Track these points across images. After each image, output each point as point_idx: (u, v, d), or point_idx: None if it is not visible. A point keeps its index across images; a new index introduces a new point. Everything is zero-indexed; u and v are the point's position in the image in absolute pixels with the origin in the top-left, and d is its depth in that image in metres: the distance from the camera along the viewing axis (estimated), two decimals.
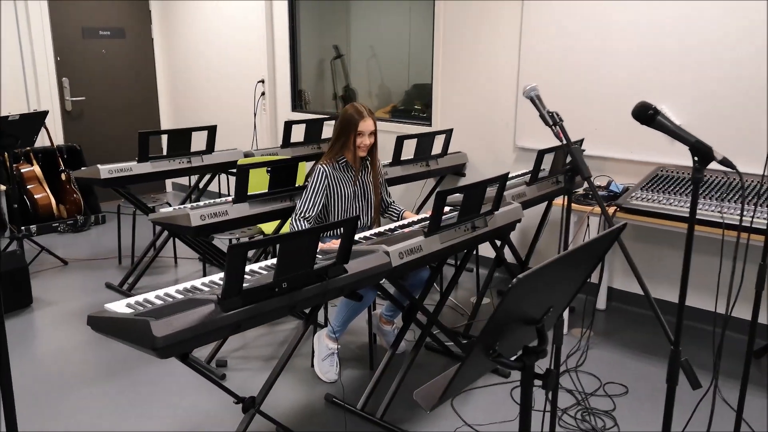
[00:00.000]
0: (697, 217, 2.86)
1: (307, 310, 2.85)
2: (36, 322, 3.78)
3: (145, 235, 5.15)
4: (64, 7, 6.01)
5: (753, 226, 2.79)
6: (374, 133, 3.06)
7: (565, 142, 1.93)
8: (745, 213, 2.85)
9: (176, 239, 4.63)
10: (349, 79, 5.46)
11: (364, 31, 5.40)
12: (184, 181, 6.53)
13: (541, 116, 1.97)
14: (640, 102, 1.60)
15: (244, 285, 1.98)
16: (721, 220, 2.86)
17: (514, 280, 1.16)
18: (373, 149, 3.11)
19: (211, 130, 4.27)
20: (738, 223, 2.83)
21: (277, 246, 2.11)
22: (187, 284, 2.15)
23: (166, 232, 4.28)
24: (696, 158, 1.50)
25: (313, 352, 3.17)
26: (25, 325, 3.73)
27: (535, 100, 2.00)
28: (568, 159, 1.90)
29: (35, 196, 5.46)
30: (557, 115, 1.93)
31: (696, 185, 1.49)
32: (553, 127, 1.92)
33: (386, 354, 2.86)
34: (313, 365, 3.17)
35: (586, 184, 3.25)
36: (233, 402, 2.48)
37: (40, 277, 4.48)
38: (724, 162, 1.49)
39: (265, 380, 2.57)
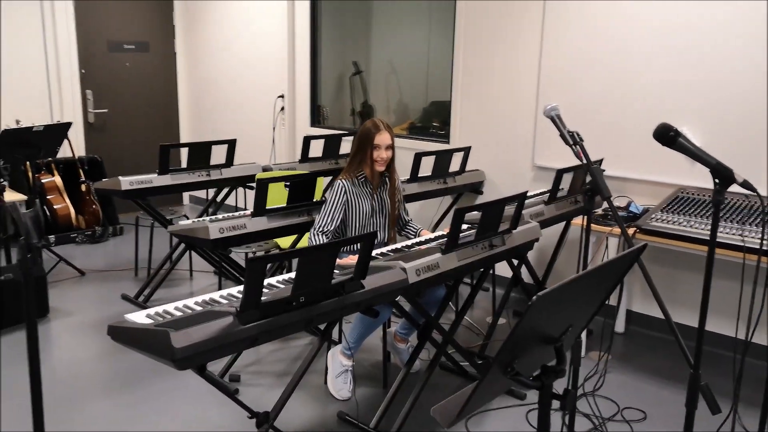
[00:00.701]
0: (717, 240, 2.86)
1: (321, 326, 2.88)
2: (52, 332, 3.83)
3: (163, 247, 5.21)
4: (90, 20, 6.16)
5: None
6: (392, 147, 3.09)
7: (585, 161, 1.95)
8: (766, 237, 2.84)
9: (192, 252, 4.68)
10: (367, 95, 5.52)
11: (383, 48, 5.47)
12: (200, 194, 6.60)
13: (562, 135, 1.99)
14: (661, 123, 1.62)
15: (262, 298, 2.01)
16: (741, 244, 2.85)
17: (534, 297, 1.18)
18: (391, 164, 3.15)
19: (231, 144, 4.34)
20: (759, 246, 2.82)
21: (295, 260, 2.14)
22: (206, 296, 2.19)
23: (182, 245, 4.33)
24: (717, 180, 1.51)
25: (326, 369, 3.19)
26: (41, 335, 3.79)
27: (556, 120, 2.03)
28: (588, 179, 1.92)
29: (54, 207, 5.55)
30: (578, 134, 1.96)
31: (717, 207, 1.50)
32: (574, 146, 1.94)
33: (400, 372, 2.87)
34: (326, 382, 3.18)
35: (605, 205, 3.26)
36: (247, 417, 2.50)
37: (58, 287, 4.54)
38: (745, 185, 1.50)
39: (278, 396, 2.60)
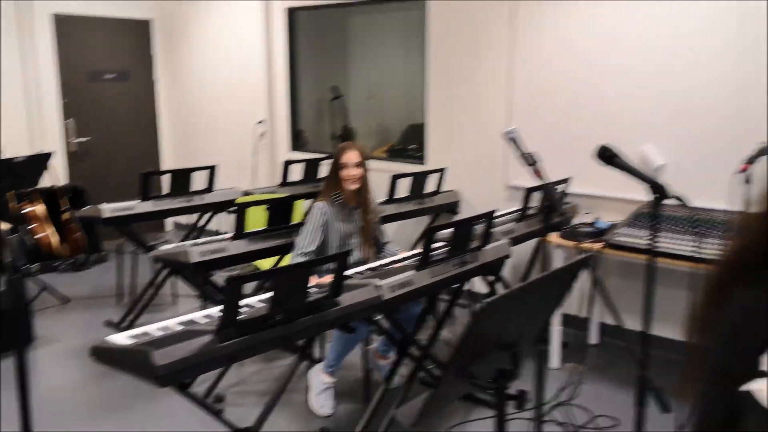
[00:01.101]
0: (676, 252, 3.01)
1: (301, 343, 2.98)
2: (38, 359, 3.90)
3: (146, 273, 5.28)
4: (71, 51, 6.28)
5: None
6: (361, 165, 3.21)
7: (542, 180, 2.09)
8: (715, 246, 2.98)
9: (176, 277, 4.77)
10: (347, 119, 5.67)
11: (362, 72, 5.64)
12: (185, 220, 6.70)
13: (520, 156, 2.14)
14: (601, 145, 1.77)
15: (241, 317, 2.12)
16: (687, 254, 2.99)
17: (479, 305, 1.31)
18: (365, 185, 3.27)
19: (211, 170, 4.46)
20: (698, 255, 2.96)
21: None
22: (186, 317, 2.29)
23: (165, 271, 4.42)
24: (656, 195, 1.66)
25: (308, 387, 3.28)
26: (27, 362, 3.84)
27: (514, 142, 2.18)
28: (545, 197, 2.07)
29: (38, 235, 5.61)
30: (533, 155, 2.10)
31: (655, 218, 1.64)
32: (530, 166, 2.09)
33: (380, 388, 2.97)
34: (308, 400, 3.27)
35: (574, 221, 3.42)
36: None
37: (42, 315, 4.61)
38: (677, 198, 1.65)
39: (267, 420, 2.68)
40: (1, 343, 3.86)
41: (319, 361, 3.35)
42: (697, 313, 0.76)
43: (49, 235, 5.65)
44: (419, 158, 5.08)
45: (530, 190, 3.51)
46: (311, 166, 4.82)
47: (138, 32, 6.76)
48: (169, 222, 7.26)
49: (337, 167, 3.21)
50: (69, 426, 3.12)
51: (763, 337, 0.69)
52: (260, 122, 6.04)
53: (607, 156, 1.72)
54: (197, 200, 4.40)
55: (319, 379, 3.21)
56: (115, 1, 6.46)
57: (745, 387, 0.71)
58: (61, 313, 4.69)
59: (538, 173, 2.10)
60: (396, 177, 4.13)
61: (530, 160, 2.12)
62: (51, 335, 4.24)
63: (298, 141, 5.98)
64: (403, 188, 4.20)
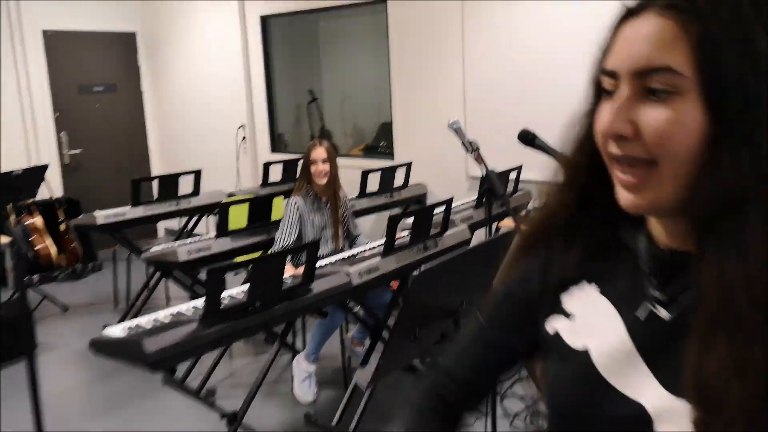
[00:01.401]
0: None
1: (281, 332, 3.22)
2: (41, 365, 4.11)
3: (140, 279, 5.52)
4: (61, 66, 6.51)
5: None
6: (328, 161, 3.45)
7: (483, 167, 2.34)
8: None
9: (167, 280, 5.00)
10: (324, 121, 5.91)
11: (335, 76, 5.87)
12: (175, 226, 6.93)
13: (462, 144, 2.38)
14: (522, 129, 2.02)
15: (223, 306, 2.36)
16: None
17: (414, 273, 1.55)
18: (335, 180, 3.51)
19: (197, 174, 4.69)
20: None
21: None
22: (174, 309, 2.53)
23: (157, 274, 4.65)
24: None
25: (292, 377, 3.51)
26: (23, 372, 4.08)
27: (458, 132, 2.42)
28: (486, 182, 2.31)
29: (36, 247, 5.84)
30: (473, 143, 2.35)
31: None
32: (471, 153, 2.33)
33: (356, 373, 3.17)
34: (294, 389, 3.49)
35: (529, 206, 3.67)
36: (219, 418, 2.83)
37: (43, 323, 4.83)
38: None
39: (251, 404, 2.91)
40: (6, 351, 4.12)
41: (299, 351, 3.58)
42: (500, 269, 0.89)
43: (48, 246, 5.88)
44: (387, 155, 5.32)
45: (484, 178, 3.74)
46: (289, 166, 5.06)
47: (124, 45, 6.99)
48: (161, 229, 7.49)
49: (307, 164, 3.46)
50: (73, 425, 3.33)
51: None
52: (241, 127, 6.27)
53: (529, 138, 1.97)
54: (184, 204, 4.64)
55: (301, 367, 3.44)
56: (100, 16, 6.67)
57: (549, 326, 0.78)
58: (61, 321, 4.92)
59: (479, 160, 2.33)
60: (366, 173, 4.37)
61: (470, 148, 2.35)
62: (52, 342, 4.47)
63: (278, 144, 6.22)
64: (375, 183, 4.44)
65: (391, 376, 3.56)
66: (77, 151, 6.72)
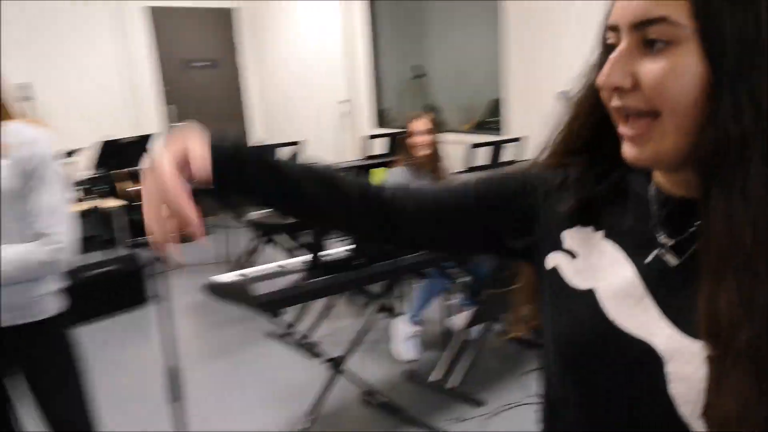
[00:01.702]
0: None
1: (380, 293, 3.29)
2: (153, 317, 4.43)
3: (244, 243, 5.80)
4: (167, 41, 6.93)
5: None
6: (429, 133, 3.47)
7: None
8: None
9: (268, 243, 5.21)
10: (432, 97, 5.91)
11: (442, 51, 5.85)
12: None
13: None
14: None
15: (328, 259, 2.45)
16: None
17: None
18: (435, 152, 3.53)
19: (296, 146, 4.85)
20: None
21: None
22: (281, 262, 2.65)
23: (259, 239, 4.85)
24: None
25: (391, 337, 3.59)
26: (144, 320, 4.40)
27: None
28: None
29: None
30: None
31: None
32: None
33: (458, 338, 3.22)
34: (393, 349, 3.57)
35: None
36: (322, 362, 2.94)
37: (156, 279, 5.14)
38: None
39: (354, 361, 3.02)
40: (122, 301, 4.44)
41: (401, 314, 3.65)
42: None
43: None
44: (497, 130, 5.27)
45: None
46: (393, 141, 5.12)
47: (222, 21, 7.33)
48: None
49: (407, 135, 3.50)
50: (188, 369, 3.56)
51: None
52: (343, 102, 6.40)
53: None
54: None
55: (402, 328, 3.51)
56: None
57: (548, 261, 0.80)
58: (173, 278, 5.22)
59: None
60: (474, 146, 4.36)
61: None
62: (163, 295, 4.75)
63: (382, 118, 6.29)
64: (483, 159, 4.42)
65: (492, 341, 3.57)
66: (182, 124, 7.10)
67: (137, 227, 6.04)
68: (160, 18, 6.84)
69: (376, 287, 3.78)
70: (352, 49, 6.29)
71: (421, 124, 3.48)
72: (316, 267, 2.43)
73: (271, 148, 4.78)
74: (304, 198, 0.84)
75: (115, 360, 3.71)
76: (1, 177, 1.55)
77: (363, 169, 3.87)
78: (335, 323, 4.04)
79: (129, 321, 4.34)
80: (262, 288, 2.30)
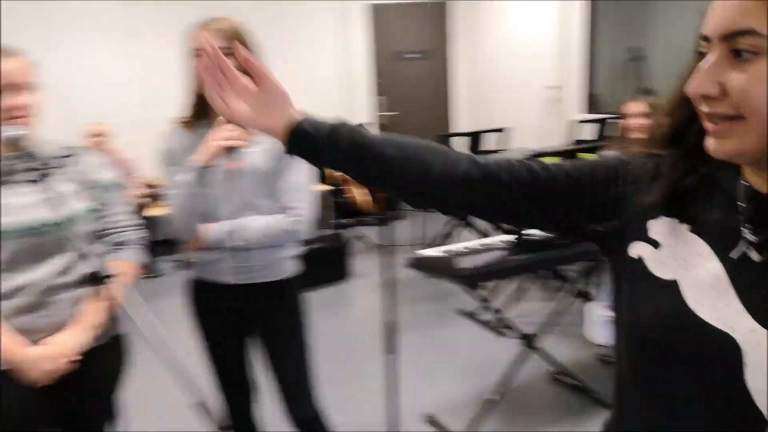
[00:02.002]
0: None
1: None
2: (355, 290, 4.80)
3: (438, 227, 6.02)
4: (382, 35, 7.39)
5: None
6: (646, 117, 3.31)
7: None
8: None
9: (464, 228, 5.35)
10: (649, 80, 5.58)
11: (670, 30, 5.46)
12: None
13: None
14: None
15: (530, 238, 2.51)
16: None
17: None
18: None
19: (501, 132, 4.92)
20: None
21: None
22: (484, 240, 2.76)
23: (456, 223, 5.01)
24: None
25: (584, 320, 3.56)
26: (347, 293, 4.78)
27: None
28: None
29: (352, 194, 6.68)
30: None
31: None
32: None
33: None
34: (586, 332, 3.55)
35: None
36: (515, 338, 3.02)
37: (356, 257, 5.55)
38: None
39: (544, 339, 3.07)
40: (328, 275, 4.86)
41: (596, 299, 3.60)
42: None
43: (360, 194, 6.70)
44: None
45: None
46: (604, 126, 4.95)
47: (435, 14, 7.60)
48: None
49: (622, 118, 3.42)
50: (375, 339, 3.83)
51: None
52: (552, 87, 6.31)
53: None
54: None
55: (596, 312, 3.45)
56: None
57: (632, 250, 0.82)
58: (371, 256, 5.60)
59: None
60: None
61: None
62: (363, 272, 5.12)
63: (592, 104, 6.10)
64: None
65: None
66: (392, 114, 7.52)
67: (341, 209, 6.53)
68: (379, 14, 7.33)
69: (571, 272, 3.78)
70: (567, 34, 6.17)
71: (637, 108, 3.38)
72: (519, 244, 2.50)
73: (476, 135, 4.91)
74: (392, 171, 0.91)
75: (329, 325, 4.06)
76: (258, 160, 1.83)
77: (570, 154, 3.82)
78: (527, 305, 4.09)
79: (331, 294, 4.74)
80: (466, 262, 2.42)
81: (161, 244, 4.98)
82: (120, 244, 1.71)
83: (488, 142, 4.90)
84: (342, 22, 7.16)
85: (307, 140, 0.92)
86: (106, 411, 1.80)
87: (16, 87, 1.53)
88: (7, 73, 1.51)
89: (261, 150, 1.84)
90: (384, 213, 6.76)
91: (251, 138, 1.80)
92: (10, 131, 1.51)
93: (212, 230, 1.83)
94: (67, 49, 5.77)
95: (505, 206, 0.90)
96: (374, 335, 3.78)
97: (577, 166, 0.89)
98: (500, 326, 3.75)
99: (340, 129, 0.93)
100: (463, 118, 7.84)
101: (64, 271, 1.60)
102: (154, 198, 5.22)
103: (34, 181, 1.55)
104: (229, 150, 1.76)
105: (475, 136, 4.93)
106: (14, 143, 1.52)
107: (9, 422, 1.57)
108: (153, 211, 5.07)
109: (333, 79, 7.21)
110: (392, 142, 0.94)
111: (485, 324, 3.85)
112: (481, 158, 0.92)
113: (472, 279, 2.45)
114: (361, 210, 6.72)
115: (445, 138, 4.79)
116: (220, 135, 1.74)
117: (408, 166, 0.91)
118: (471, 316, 4.01)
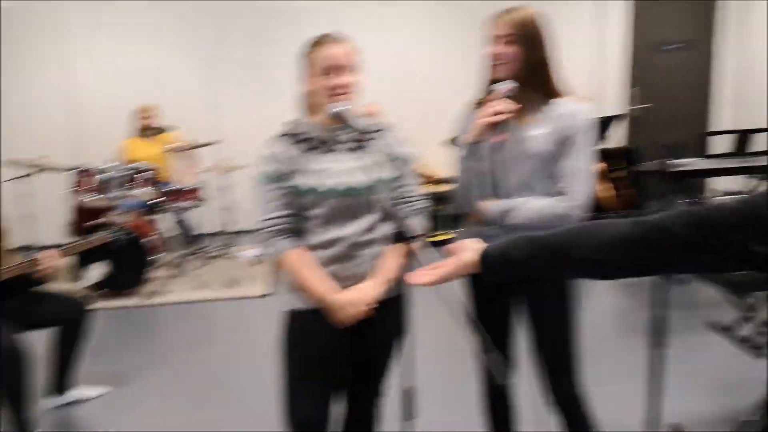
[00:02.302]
0: None
1: None
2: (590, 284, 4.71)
3: None
4: (640, 26, 7.07)
5: None
6: None
7: None
8: None
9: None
10: None
11: None
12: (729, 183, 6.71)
13: None
14: None
15: None
16: None
17: None
18: None
19: None
20: None
21: None
22: None
23: None
24: None
25: None
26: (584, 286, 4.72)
27: None
28: None
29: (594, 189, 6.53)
30: None
31: None
32: None
33: None
34: None
35: None
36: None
37: None
38: None
39: None
40: None
41: None
42: None
43: (601, 190, 6.50)
44: None
45: None
46: None
47: (704, 3, 7.07)
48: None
49: None
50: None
51: None
52: None
53: None
54: (752, 162, 4.46)
55: None
56: None
57: None
58: None
59: None
60: None
61: None
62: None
63: None
64: None
65: None
66: (645, 106, 7.17)
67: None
68: (640, 5, 7.06)
69: None
70: None
71: None
72: None
73: (745, 134, 4.50)
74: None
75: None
76: (540, 143, 1.87)
77: None
78: None
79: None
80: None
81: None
82: (409, 212, 1.95)
83: (756, 144, 4.47)
84: (601, 14, 7.00)
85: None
86: (392, 355, 2.04)
87: (342, 68, 1.82)
88: (335, 57, 1.81)
89: (544, 133, 1.88)
90: (627, 210, 6.50)
91: (525, 120, 1.89)
92: (336, 107, 1.82)
93: (490, 207, 1.93)
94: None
95: None
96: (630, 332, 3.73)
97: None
98: (756, 345, 3.46)
99: None
100: (725, 116, 7.22)
101: (370, 229, 1.88)
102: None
103: (352, 150, 1.86)
104: (496, 124, 1.86)
105: (742, 136, 4.53)
106: (339, 117, 1.83)
107: (317, 353, 1.90)
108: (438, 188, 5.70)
109: (584, 70, 7.08)
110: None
111: (741, 341, 3.55)
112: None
113: (741, 287, 2.33)
114: (602, 206, 6.54)
115: (702, 136, 4.47)
116: (487, 111, 1.86)
117: None
118: (723, 330, 3.72)
